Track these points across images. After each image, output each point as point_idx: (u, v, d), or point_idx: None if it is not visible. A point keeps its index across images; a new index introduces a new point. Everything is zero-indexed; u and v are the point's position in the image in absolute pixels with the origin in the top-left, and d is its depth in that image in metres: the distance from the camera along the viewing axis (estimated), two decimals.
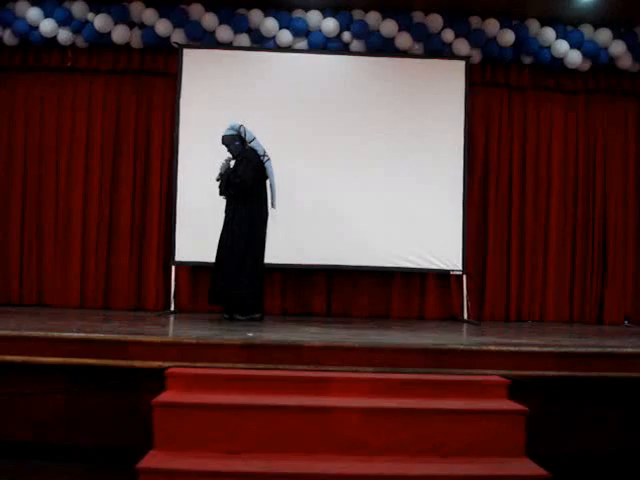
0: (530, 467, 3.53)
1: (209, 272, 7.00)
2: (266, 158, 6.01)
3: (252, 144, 6.02)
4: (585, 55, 7.17)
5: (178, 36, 7.02)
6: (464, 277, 7.03)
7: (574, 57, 7.15)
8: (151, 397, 3.70)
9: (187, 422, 3.61)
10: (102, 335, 4.28)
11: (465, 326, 6.51)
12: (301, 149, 6.70)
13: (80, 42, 7.05)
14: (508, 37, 7.07)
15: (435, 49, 7.15)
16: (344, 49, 7.16)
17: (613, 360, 4.32)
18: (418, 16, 7.10)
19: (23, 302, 7.07)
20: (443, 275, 7.16)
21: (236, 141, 5.98)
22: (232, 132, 5.98)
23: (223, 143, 5.98)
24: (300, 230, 6.45)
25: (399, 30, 7.07)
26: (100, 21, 6.90)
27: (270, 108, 6.63)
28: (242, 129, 6.01)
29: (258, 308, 5.96)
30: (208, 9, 7.02)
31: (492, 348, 4.36)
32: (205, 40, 7.07)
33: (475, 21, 7.13)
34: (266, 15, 7.04)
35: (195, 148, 6.82)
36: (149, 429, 3.60)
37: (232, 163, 5.99)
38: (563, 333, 5.95)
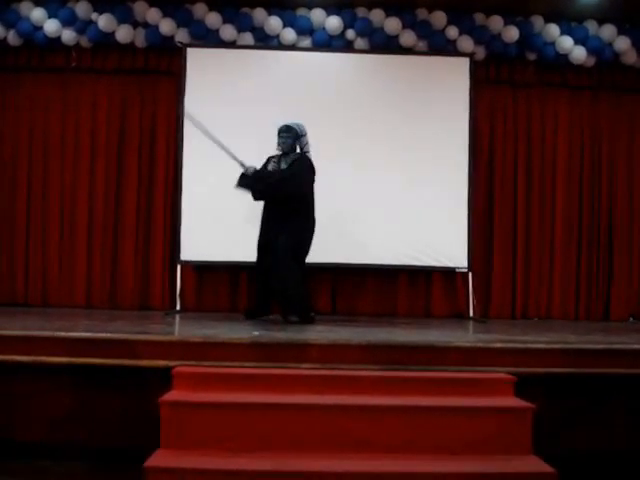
0: (537, 464, 3.52)
1: (215, 271, 7.07)
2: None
3: (309, 154, 5.83)
4: (590, 51, 7.15)
5: (182, 35, 7.01)
6: (470, 275, 7.02)
7: (579, 53, 7.12)
8: (158, 396, 3.71)
9: (194, 421, 3.61)
10: (108, 334, 4.29)
11: (471, 324, 6.51)
12: None
13: (84, 42, 7.06)
14: (512, 34, 7.05)
15: (439, 46, 7.13)
16: (348, 47, 7.16)
17: (619, 357, 4.31)
18: (422, 13, 7.08)
19: (28, 302, 7.07)
20: (449, 273, 7.15)
21: (294, 137, 5.77)
22: (296, 128, 5.76)
23: (281, 130, 5.79)
24: None
25: (403, 27, 7.06)
26: (104, 21, 6.90)
27: (274, 106, 6.60)
28: (306, 136, 5.80)
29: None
30: (212, 8, 7.01)
31: (498, 345, 4.36)
32: (209, 39, 7.07)
33: (479, 18, 7.11)
34: (270, 14, 7.04)
35: (200, 147, 6.78)
36: (156, 428, 3.60)
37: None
38: (569, 330, 5.94)
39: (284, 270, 5.67)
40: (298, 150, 5.85)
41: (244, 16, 7.02)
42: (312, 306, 5.95)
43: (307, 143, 5.84)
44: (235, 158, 5.83)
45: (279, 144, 5.82)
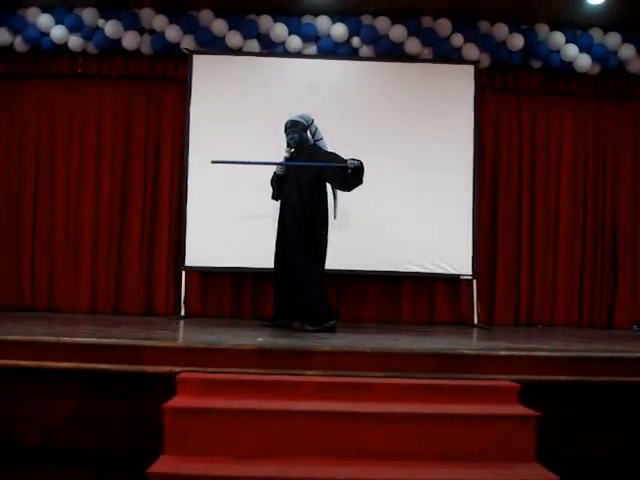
0: (540, 472, 3.52)
1: (220, 277, 7.08)
2: None
3: (319, 143, 5.81)
4: (594, 59, 7.15)
5: (188, 42, 7.04)
6: (474, 282, 7.01)
7: (583, 61, 7.13)
8: (162, 402, 3.71)
9: (198, 427, 3.62)
10: (113, 340, 4.30)
11: (475, 331, 6.50)
12: None
13: (91, 48, 7.09)
14: (517, 41, 7.07)
15: (444, 54, 7.14)
16: (353, 54, 7.18)
17: (623, 365, 4.31)
18: (427, 21, 7.10)
19: (34, 306, 7.09)
20: (453, 280, 7.15)
21: (301, 131, 5.73)
22: (301, 120, 5.75)
23: (287, 127, 5.76)
24: None
25: (408, 35, 7.07)
26: (110, 27, 6.94)
27: (279, 113, 6.58)
28: (313, 124, 5.80)
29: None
30: (218, 15, 7.03)
31: (502, 353, 4.36)
32: (215, 46, 7.09)
33: (484, 26, 7.13)
34: (276, 21, 7.06)
35: (205, 153, 6.81)
36: (160, 434, 3.60)
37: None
38: (573, 337, 5.93)
39: (301, 273, 5.56)
40: (311, 140, 5.82)
41: (250, 23, 7.05)
42: (333, 313, 5.81)
43: (317, 130, 5.83)
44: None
45: (288, 143, 5.76)
